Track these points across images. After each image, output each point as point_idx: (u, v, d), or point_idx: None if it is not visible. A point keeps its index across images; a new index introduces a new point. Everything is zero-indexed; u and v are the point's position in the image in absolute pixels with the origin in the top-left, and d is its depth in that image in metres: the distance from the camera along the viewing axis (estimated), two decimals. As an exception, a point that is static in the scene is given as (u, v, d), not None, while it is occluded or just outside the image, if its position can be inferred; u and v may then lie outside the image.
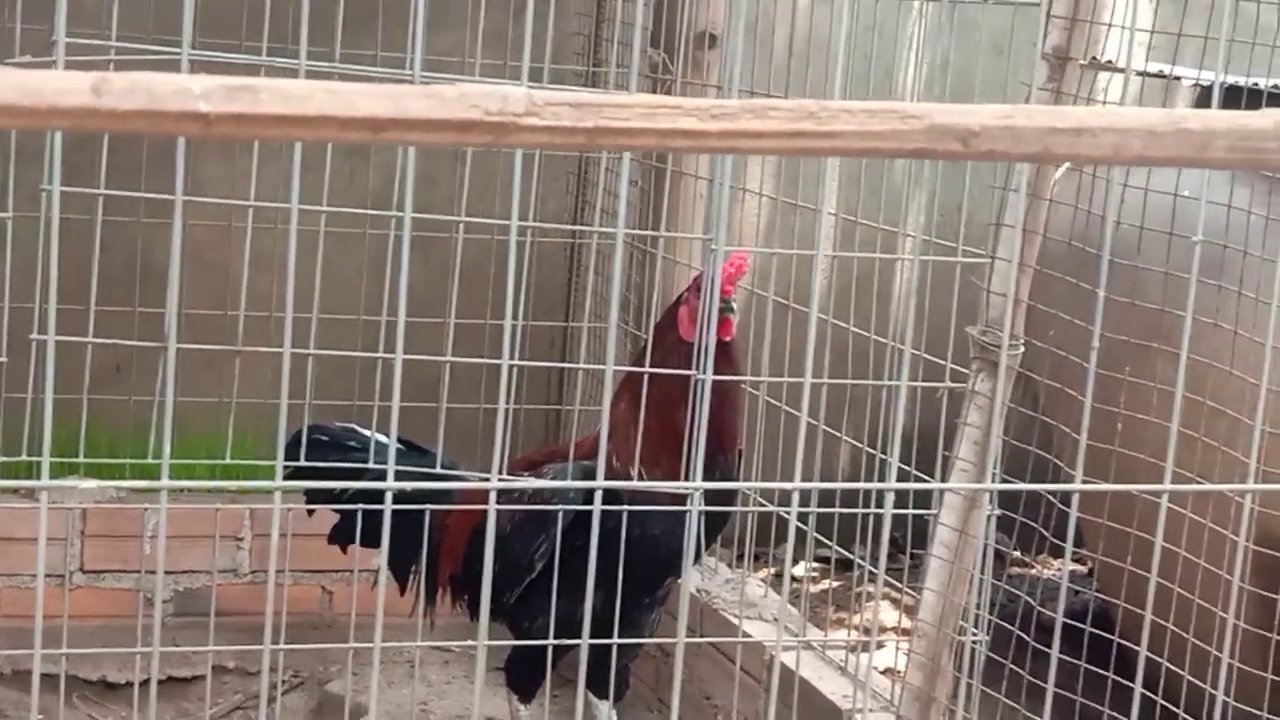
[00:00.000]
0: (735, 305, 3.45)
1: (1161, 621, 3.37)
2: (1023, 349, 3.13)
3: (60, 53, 2.53)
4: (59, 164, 2.07)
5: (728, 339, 3.40)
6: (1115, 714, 3.40)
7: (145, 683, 3.86)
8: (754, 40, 3.98)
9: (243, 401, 3.50)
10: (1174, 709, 3.33)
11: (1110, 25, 3.47)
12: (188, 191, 2.21)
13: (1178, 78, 3.74)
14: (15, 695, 4.24)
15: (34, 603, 2.02)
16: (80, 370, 3.18)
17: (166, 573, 4.30)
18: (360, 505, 3.46)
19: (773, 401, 3.77)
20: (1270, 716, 3.35)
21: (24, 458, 3.19)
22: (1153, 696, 3.07)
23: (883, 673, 3.83)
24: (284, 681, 4.38)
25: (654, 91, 4.25)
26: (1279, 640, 3.46)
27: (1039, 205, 2.99)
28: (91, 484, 2.61)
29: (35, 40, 3.46)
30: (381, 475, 3.39)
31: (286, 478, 3.39)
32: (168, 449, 1.86)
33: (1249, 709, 3.28)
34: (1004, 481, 3.26)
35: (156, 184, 3.94)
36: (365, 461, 3.53)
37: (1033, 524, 3.66)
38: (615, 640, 3.23)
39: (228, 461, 3.36)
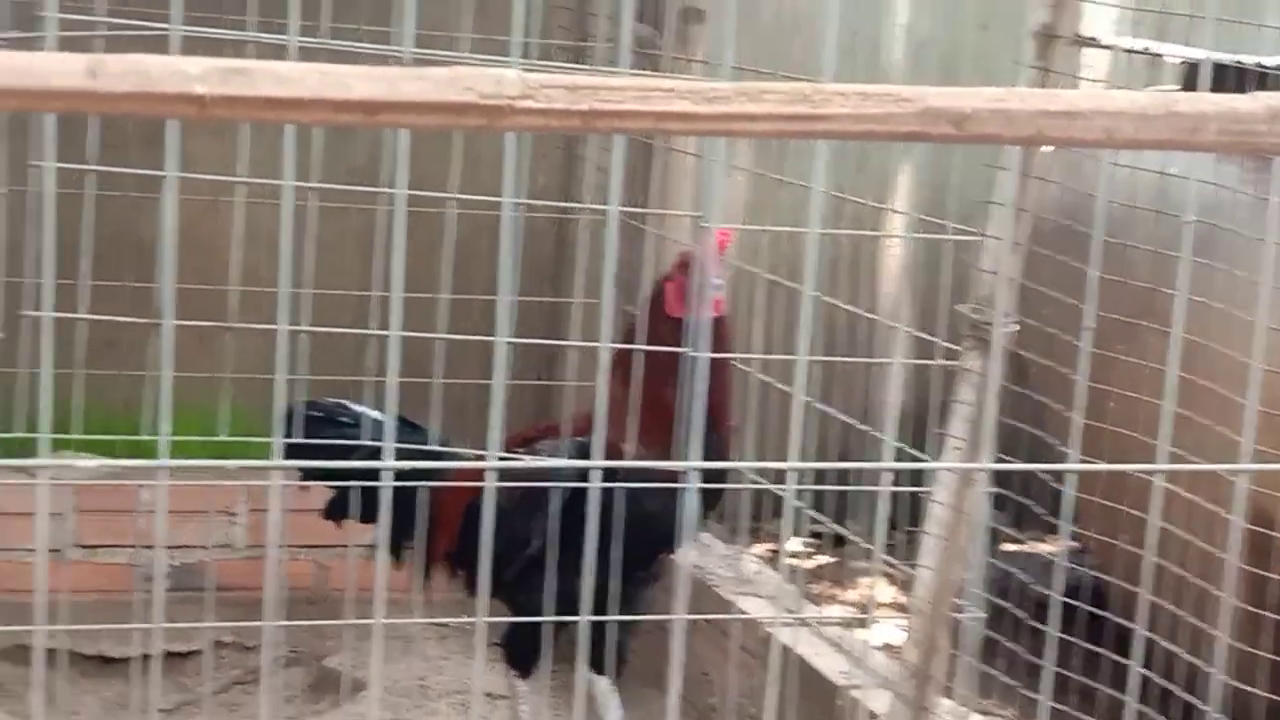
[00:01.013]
0: (720, 282, 3.44)
1: (1157, 600, 3.39)
2: (1015, 327, 3.14)
3: (51, 28, 2.53)
4: (51, 141, 2.07)
5: (716, 315, 3.41)
6: (1111, 690, 3.42)
7: (144, 657, 3.88)
8: (740, 15, 3.97)
9: (236, 376, 3.50)
10: (1168, 685, 3.34)
11: (1098, 2, 3.46)
12: (179, 168, 2.21)
13: (1164, 55, 3.73)
14: (13, 670, 4.25)
15: (29, 578, 2.02)
16: (72, 346, 3.18)
17: (163, 548, 4.31)
18: (356, 481, 3.47)
19: (764, 378, 3.77)
20: (1263, 694, 3.36)
21: (17, 434, 3.19)
22: (1148, 674, 3.09)
23: (878, 649, 3.84)
24: (282, 657, 4.39)
25: (642, 67, 4.25)
26: (1272, 618, 3.47)
27: (1029, 183, 2.99)
28: (90, 461, 2.61)
29: (22, 14, 3.45)
30: (376, 451, 3.39)
31: (283, 453, 3.39)
32: (166, 426, 1.87)
33: (1242, 685, 3.29)
34: (997, 460, 3.27)
35: (147, 159, 3.93)
36: (358, 437, 3.54)
37: (1026, 502, 3.67)
38: (613, 617, 3.24)
39: (222, 438, 3.36)
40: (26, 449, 3.81)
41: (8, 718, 4.07)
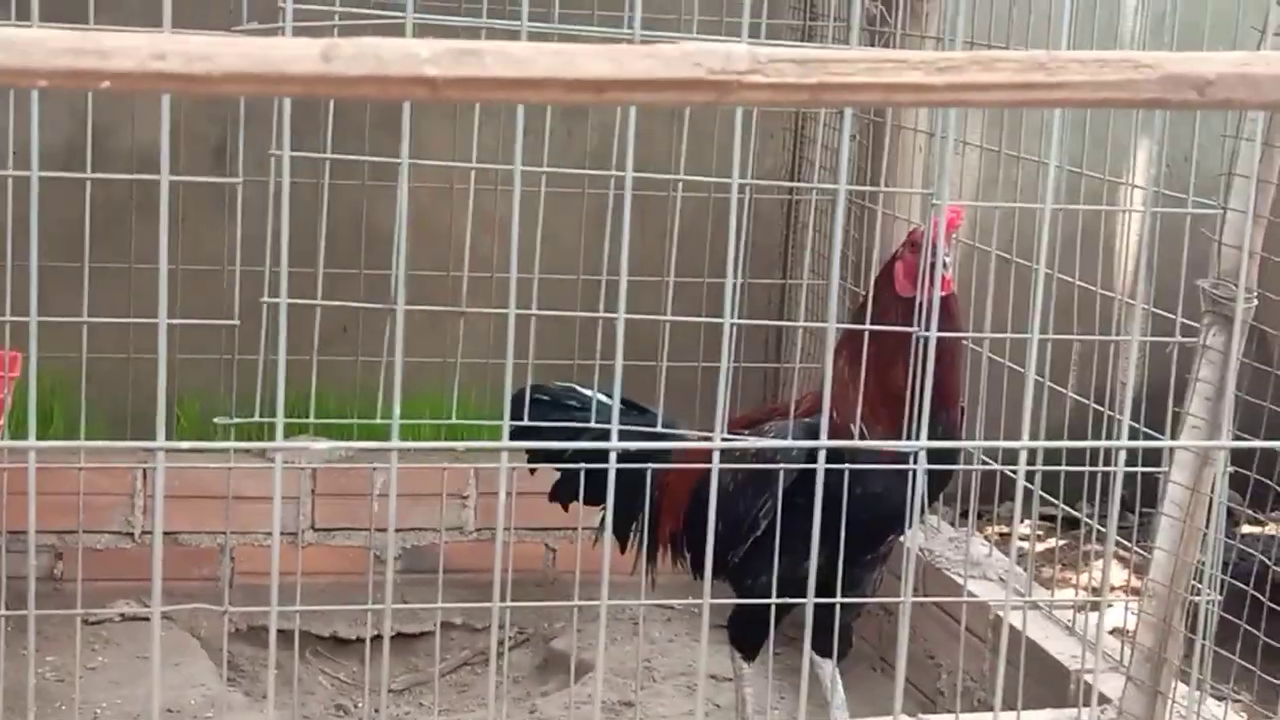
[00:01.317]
0: (949, 260, 3.40)
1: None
2: (1256, 302, 3.05)
3: (288, 19, 2.58)
4: (288, 129, 2.11)
5: (944, 294, 3.37)
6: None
7: (376, 638, 3.95)
8: (974, -10, 3.91)
9: (466, 362, 3.55)
10: None
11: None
12: (411, 154, 2.24)
13: None
14: (251, 650, 4.36)
15: (268, 560, 2.08)
16: (309, 333, 3.25)
17: (395, 530, 4.39)
18: (583, 464, 3.49)
19: (996, 358, 3.72)
20: None
21: (257, 419, 3.27)
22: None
23: (1111, 633, 3.77)
24: (510, 638, 4.45)
25: (872, 44, 4.21)
26: None
27: (1273, 153, 2.90)
28: (323, 444, 2.68)
29: (261, 6, 3.53)
30: (603, 434, 3.42)
31: (510, 437, 3.43)
32: (397, 410, 1.89)
33: None
34: (1237, 438, 3.19)
35: (379, 147, 4.01)
36: (586, 420, 3.57)
37: (1268, 481, 3.57)
38: (838, 600, 3.22)
39: (453, 421, 3.41)
40: (265, 435, 3.91)
41: (244, 697, 4.18)
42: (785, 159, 4.93)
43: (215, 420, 3.53)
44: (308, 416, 3.58)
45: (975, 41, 3.81)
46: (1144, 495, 3.58)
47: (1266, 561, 3.70)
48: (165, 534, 4.33)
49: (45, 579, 4.33)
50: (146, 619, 4.26)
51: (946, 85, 1.40)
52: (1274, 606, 3.56)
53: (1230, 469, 3.27)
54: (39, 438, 2.33)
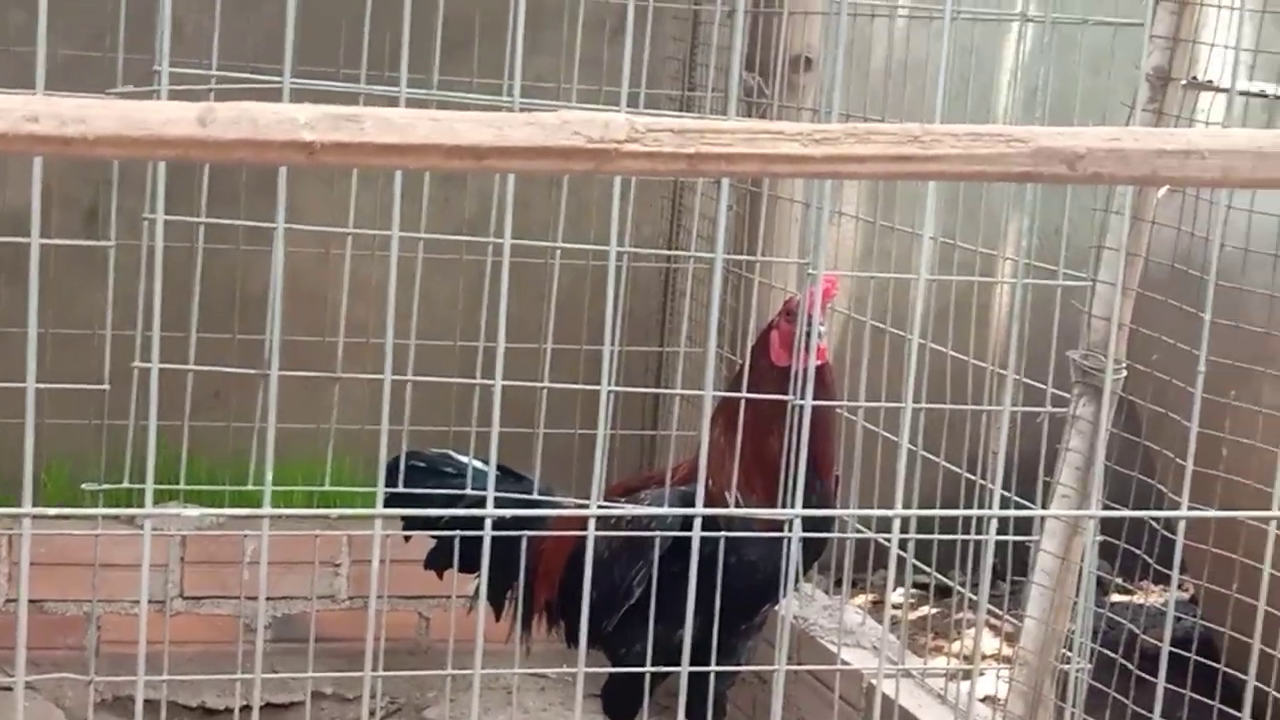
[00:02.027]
0: (823, 329, 3.42)
1: (1269, 650, 3.32)
2: (1125, 373, 3.10)
3: (163, 82, 2.56)
4: (162, 193, 2.09)
5: (820, 363, 3.39)
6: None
7: (245, 709, 3.89)
8: (850, 63, 3.96)
9: (341, 428, 3.53)
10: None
11: (1212, 45, 3.43)
12: (287, 219, 2.22)
13: (1281, 97, 3.69)
14: (116, 721, 4.29)
15: (135, 629, 2.04)
16: (180, 397, 3.21)
17: (265, 599, 4.33)
18: (458, 531, 3.47)
19: (870, 426, 3.75)
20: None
21: (126, 485, 3.22)
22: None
23: (983, 701, 3.79)
24: (382, 708, 4.39)
25: (750, 115, 4.24)
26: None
27: (1141, 227, 2.96)
28: (194, 511, 2.64)
29: (137, 70, 3.50)
30: (478, 501, 3.40)
31: (385, 504, 3.40)
32: (269, 476, 1.88)
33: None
34: (1106, 508, 3.23)
35: (255, 211, 3.98)
36: (461, 487, 3.54)
37: (1136, 551, 3.62)
38: (713, 668, 3.22)
39: (326, 488, 3.38)
40: (134, 501, 3.85)
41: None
42: (663, 227, 4.95)
43: (84, 486, 3.48)
44: (178, 482, 3.53)
45: (851, 114, 3.86)
46: (1015, 564, 3.61)
47: (1135, 630, 3.75)
48: (30, 602, 4.23)
49: (-95, 648, 4.24)
50: (10, 689, 4.17)
51: (823, 156, 1.42)
52: (1143, 675, 3.59)
53: (1099, 538, 3.30)
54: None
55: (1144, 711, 3.53)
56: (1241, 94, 3.55)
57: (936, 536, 3.60)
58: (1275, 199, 3.49)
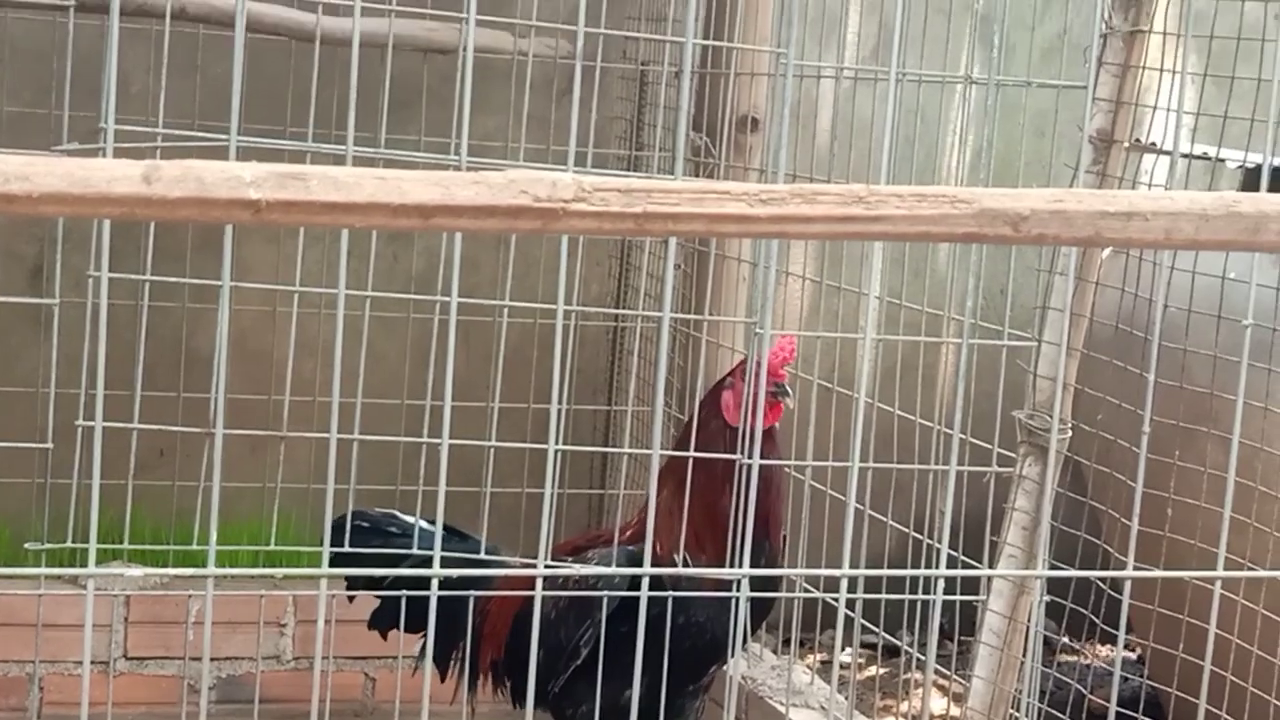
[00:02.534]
0: (790, 389, 3.43)
1: (1215, 710, 3.34)
2: (1070, 433, 3.11)
3: (109, 139, 2.56)
4: (107, 250, 2.08)
5: (774, 425, 3.40)
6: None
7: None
8: (796, 124, 3.99)
9: (286, 487, 3.51)
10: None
11: (1155, 108, 3.47)
12: (233, 277, 2.22)
13: (1223, 160, 3.73)
14: (58, 783, 4.24)
15: (78, 690, 2.02)
16: (125, 456, 3.19)
17: (210, 660, 4.29)
18: (404, 591, 3.46)
19: (818, 486, 3.75)
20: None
21: (69, 544, 3.20)
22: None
23: (931, 761, 3.79)
24: (326, 769, 4.36)
25: (697, 175, 4.26)
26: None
27: (1085, 288, 2.98)
28: (137, 571, 2.62)
29: (82, 127, 3.50)
30: (424, 561, 3.38)
31: (330, 563, 3.38)
32: (214, 536, 1.86)
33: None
34: (1053, 567, 3.24)
35: (201, 269, 3.97)
36: (407, 546, 3.53)
37: (1083, 610, 3.63)
38: (660, 728, 3.21)
39: (271, 548, 3.36)
40: (78, 560, 3.82)
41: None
42: (611, 286, 4.95)
43: (26, 546, 3.45)
44: (122, 541, 3.51)
45: (798, 174, 3.88)
46: (963, 623, 3.62)
47: (1083, 690, 3.76)
48: (-29, 663, 4.20)
49: None
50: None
51: (769, 217, 1.43)
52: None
53: (1046, 598, 3.31)
54: None
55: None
56: (1184, 156, 3.58)
57: (884, 596, 3.61)
58: (1218, 260, 3.52)
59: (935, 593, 3.06)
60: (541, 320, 4.36)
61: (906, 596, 3.65)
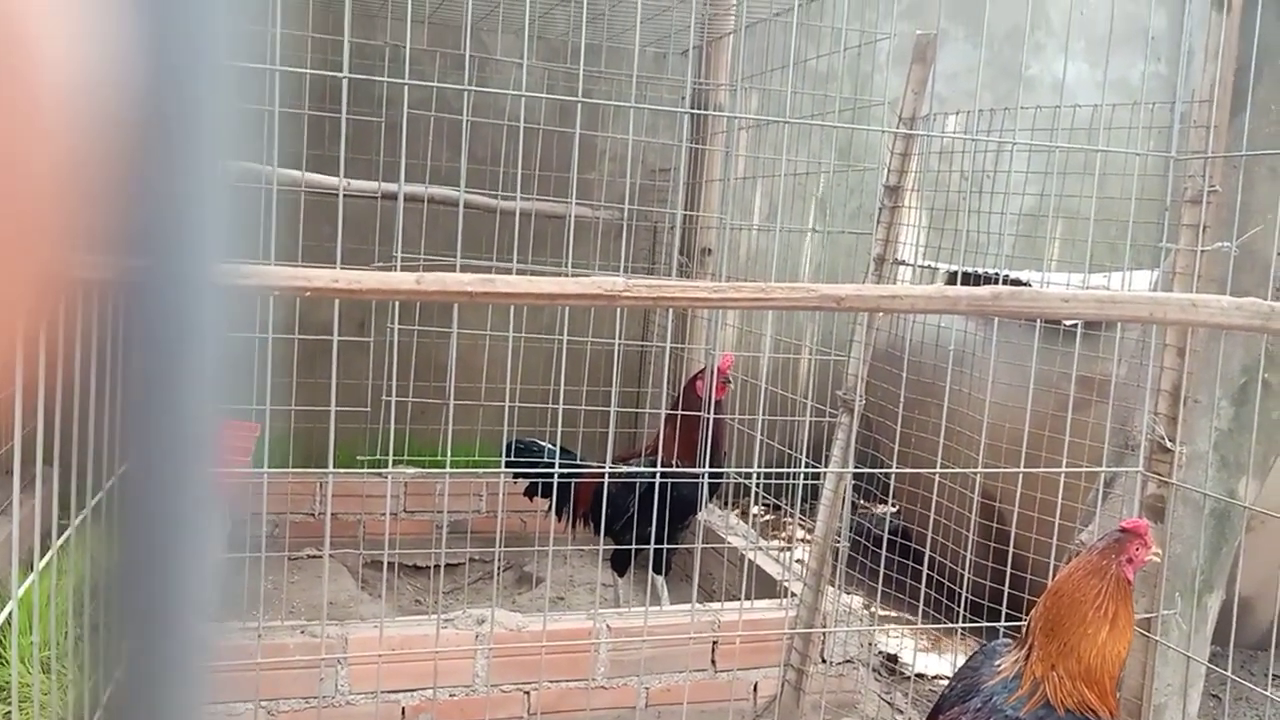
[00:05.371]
0: (731, 380, 3.42)
1: (938, 537, 3.30)
2: (863, 400, 3.09)
3: (397, 263, 2.47)
4: (397, 313, 2.06)
5: (721, 397, 3.39)
6: (914, 583, 3.33)
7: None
8: (731, 252, 3.93)
9: (485, 428, 3.40)
10: (943, 580, 3.26)
11: (904, 242, 3.43)
12: (457, 326, 2.17)
13: (937, 268, 3.70)
14: None
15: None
16: (403, 415, 3.13)
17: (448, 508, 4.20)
18: (539, 479, 3.44)
19: (743, 429, 3.73)
20: (993, 585, 3.27)
21: (379, 456, 3.14)
22: (931, 574, 3.01)
23: (797, 562, 3.76)
24: (501, 566, 4.29)
25: (682, 278, 4.22)
26: (994, 546, 3.39)
27: (872, 329, 2.95)
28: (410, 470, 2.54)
29: (384, 254, 3.44)
30: (548, 466, 3.38)
31: (505, 466, 3.36)
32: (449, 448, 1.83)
33: (980, 580, 3.21)
34: (856, 467, 3.21)
35: (444, 322, 3.88)
36: (543, 456, 3.52)
37: (870, 488, 3.60)
38: (665, 545, 3.20)
39: (475, 457, 3.25)
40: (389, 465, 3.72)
41: None
42: (638, 329, 4.92)
43: (358, 457, 3.38)
44: (403, 455, 3.42)
45: (733, 276, 3.84)
46: (811, 496, 3.59)
47: (870, 526, 3.71)
48: None
49: None
50: None
51: (718, 298, 1.42)
52: (872, 548, 3.57)
53: (852, 482, 3.28)
54: None
55: (872, 565, 3.51)
56: (919, 266, 3.55)
57: (774, 481, 3.58)
58: (948, 319, 3.49)
59: (800, 480, 3.05)
60: (607, 346, 4.34)
61: (786, 482, 3.62)
